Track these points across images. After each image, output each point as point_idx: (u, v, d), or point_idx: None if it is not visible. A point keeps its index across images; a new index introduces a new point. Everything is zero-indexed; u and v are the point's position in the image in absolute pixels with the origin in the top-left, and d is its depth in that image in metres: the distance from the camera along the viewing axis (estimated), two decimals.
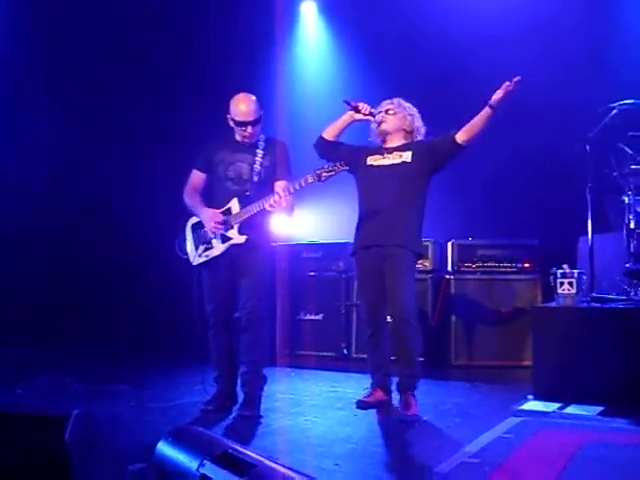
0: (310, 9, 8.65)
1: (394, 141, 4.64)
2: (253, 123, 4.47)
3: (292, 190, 4.27)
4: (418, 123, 4.66)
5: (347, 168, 4.32)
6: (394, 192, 4.45)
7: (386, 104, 4.68)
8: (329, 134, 4.73)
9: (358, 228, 4.64)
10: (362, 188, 4.66)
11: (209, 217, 4.45)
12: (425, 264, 6.46)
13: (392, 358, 4.55)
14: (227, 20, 8.02)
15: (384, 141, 4.67)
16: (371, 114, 4.57)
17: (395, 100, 4.71)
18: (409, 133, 4.64)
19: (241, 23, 8.04)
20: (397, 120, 4.62)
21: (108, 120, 8.06)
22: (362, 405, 4.47)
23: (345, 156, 4.59)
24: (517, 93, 4.24)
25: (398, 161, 4.53)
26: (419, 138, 4.67)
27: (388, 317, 4.50)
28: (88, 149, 7.79)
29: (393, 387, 4.52)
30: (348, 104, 4.59)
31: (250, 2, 7.99)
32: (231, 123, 4.52)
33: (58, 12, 7.68)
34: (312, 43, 8.61)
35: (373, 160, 4.63)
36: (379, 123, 4.63)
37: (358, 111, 4.57)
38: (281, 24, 8.31)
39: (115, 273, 7.94)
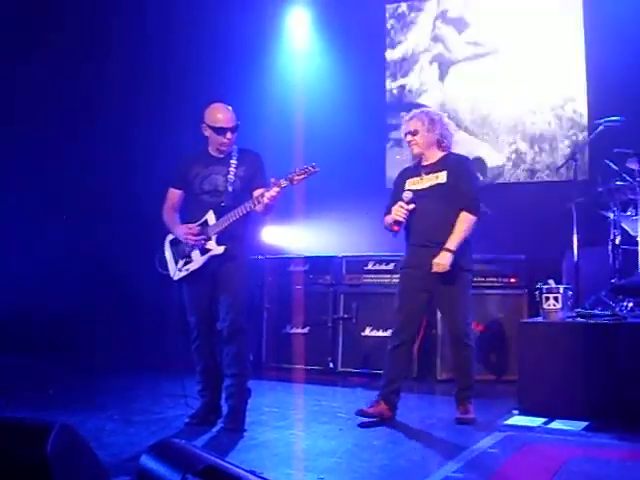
0: (301, 17, 8.66)
1: (430, 157, 4.75)
2: (232, 130, 4.47)
3: (274, 194, 4.21)
4: (440, 129, 4.72)
5: (318, 170, 4.23)
6: (436, 213, 4.58)
7: (406, 127, 4.78)
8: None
9: (407, 250, 4.79)
10: None
11: (184, 233, 4.45)
12: None
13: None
14: (215, 27, 8.05)
15: (421, 159, 4.78)
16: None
17: (414, 117, 4.78)
18: (440, 142, 4.73)
19: (230, 31, 8.07)
20: (421, 139, 4.71)
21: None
22: (361, 413, 4.59)
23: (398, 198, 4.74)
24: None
25: (434, 183, 4.65)
26: (449, 142, 4.76)
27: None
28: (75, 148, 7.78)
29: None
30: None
31: (238, 10, 8.02)
32: (207, 132, 4.50)
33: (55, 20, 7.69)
34: (302, 51, 8.61)
35: (412, 184, 4.75)
36: (410, 149, 4.78)
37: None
38: (271, 31, 8.40)
39: (101, 284, 7.90)
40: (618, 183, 5.68)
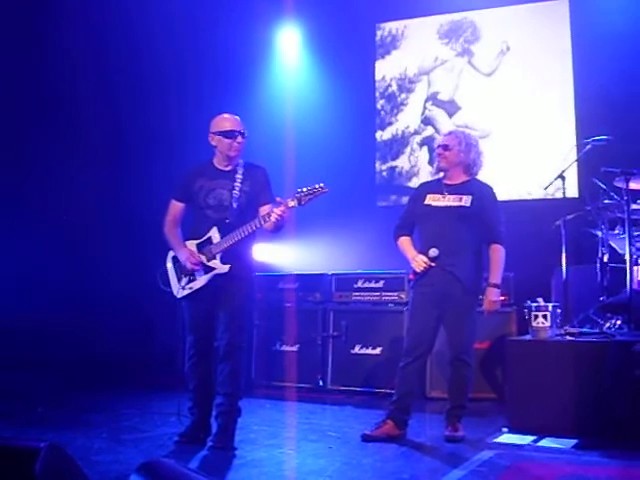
0: (292, 38, 8.72)
1: (454, 177, 4.78)
2: (242, 134, 4.40)
3: (280, 213, 4.14)
4: (474, 155, 4.76)
5: (327, 191, 4.20)
6: (452, 233, 4.61)
7: (442, 140, 4.83)
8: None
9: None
10: (421, 226, 4.80)
11: (185, 258, 4.39)
12: (401, 296, 6.52)
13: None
14: (205, 47, 8.10)
15: (444, 176, 4.81)
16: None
17: (453, 133, 4.87)
18: (469, 167, 4.76)
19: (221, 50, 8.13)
20: (452, 156, 4.74)
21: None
22: (366, 438, 4.59)
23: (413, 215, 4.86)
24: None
25: (457, 204, 4.67)
26: (477, 170, 4.79)
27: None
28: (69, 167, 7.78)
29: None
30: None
31: (231, 30, 8.08)
32: (214, 141, 4.42)
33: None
34: (293, 72, 8.67)
35: (432, 199, 4.76)
36: (437, 160, 4.80)
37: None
38: (262, 51, 8.45)
39: (91, 300, 7.87)
40: (606, 201, 5.73)
